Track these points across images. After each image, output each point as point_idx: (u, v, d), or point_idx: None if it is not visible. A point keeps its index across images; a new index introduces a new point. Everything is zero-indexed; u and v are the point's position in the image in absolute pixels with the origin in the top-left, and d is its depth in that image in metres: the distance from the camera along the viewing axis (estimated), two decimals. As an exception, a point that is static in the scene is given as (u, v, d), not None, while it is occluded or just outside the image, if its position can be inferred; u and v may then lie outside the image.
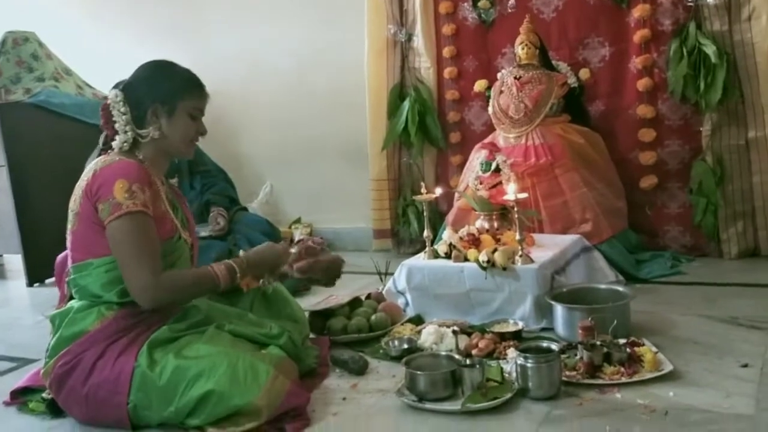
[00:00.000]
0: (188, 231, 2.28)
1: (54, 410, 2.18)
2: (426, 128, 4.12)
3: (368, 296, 2.95)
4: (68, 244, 2.15)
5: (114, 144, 2.13)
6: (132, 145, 2.15)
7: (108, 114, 2.15)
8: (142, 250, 2.01)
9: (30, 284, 4.39)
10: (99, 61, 5.13)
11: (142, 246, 2.01)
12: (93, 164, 2.12)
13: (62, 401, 2.09)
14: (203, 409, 1.92)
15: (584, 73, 3.74)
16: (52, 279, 4.44)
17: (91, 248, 2.08)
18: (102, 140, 2.24)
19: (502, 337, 2.46)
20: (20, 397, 2.32)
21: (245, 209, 4.02)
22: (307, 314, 2.63)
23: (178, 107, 2.17)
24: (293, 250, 2.41)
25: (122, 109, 2.13)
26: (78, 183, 2.13)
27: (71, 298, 2.21)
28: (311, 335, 2.57)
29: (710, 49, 3.36)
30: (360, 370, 2.36)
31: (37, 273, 4.42)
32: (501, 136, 3.61)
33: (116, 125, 2.13)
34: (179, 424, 1.97)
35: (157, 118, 2.15)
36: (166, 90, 2.16)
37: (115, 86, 2.19)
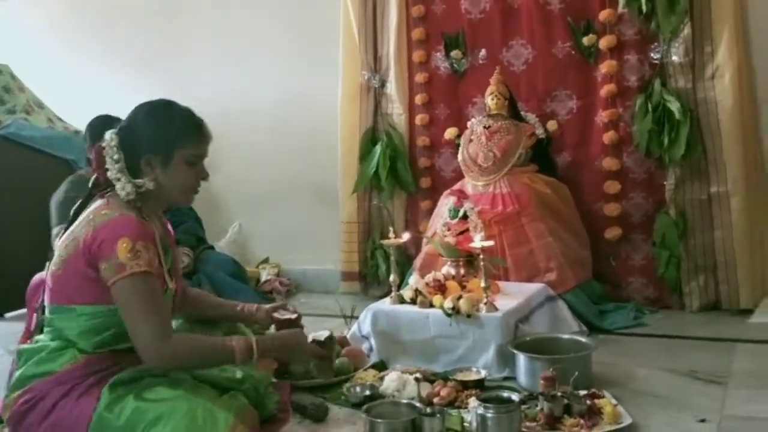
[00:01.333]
0: (175, 274, 2.21)
1: None
2: (397, 173, 4.16)
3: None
4: (49, 282, 2.06)
5: (118, 192, 2.01)
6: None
7: (100, 158, 2.03)
8: (148, 312, 1.92)
9: (-9, 318, 4.31)
10: (73, 93, 5.13)
11: (148, 308, 1.92)
12: (90, 214, 2.01)
13: None
14: None
15: (552, 125, 3.81)
16: (15, 312, 4.38)
17: (72, 296, 2.00)
18: (92, 183, 2.12)
19: (465, 385, 2.46)
20: None
21: (212, 248, 4.00)
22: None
23: (175, 156, 2.04)
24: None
25: (115, 156, 2.01)
26: (72, 229, 2.03)
27: (41, 329, 2.14)
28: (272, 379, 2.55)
29: (674, 106, 3.45)
30: (320, 416, 2.34)
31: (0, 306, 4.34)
32: (470, 184, 3.65)
33: (108, 173, 2.01)
34: None
35: (152, 168, 2.03)
36: (161, 138, 2.03)
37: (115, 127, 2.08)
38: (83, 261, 1.95)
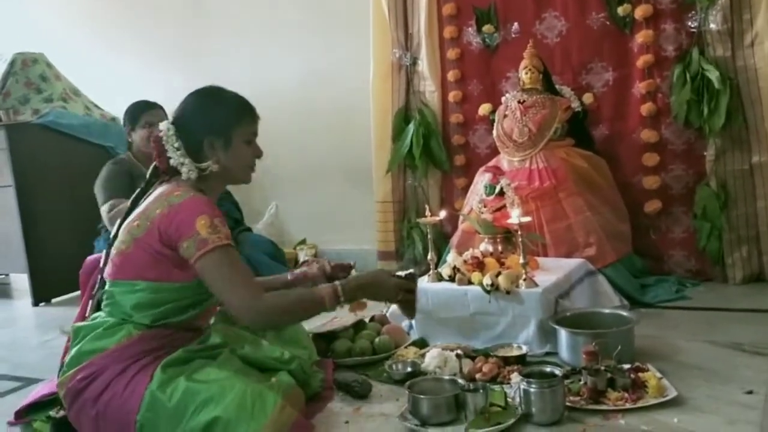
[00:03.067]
0: None
1: (59, 429, 2.18)
2: (430, 151, 4.14)
3: (372, 318, 2.95)
4: (114, 259, 2.12)
5: (184, 175, 2.10)
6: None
7: (160, 146, 2.12)
8: (237, 278, 2.00)
9: (35, 304, 4.41)
10: (106, 82, 5.19)
11: (235, 274, 2.00)
12: (162, 196, 2.07)
13: (73, 415, 2.08)
14: None
15: (588, 98, 3.76)
16: (59, 298, 4.48)
17: (141, 271, 2.06)
18: (151, 172, 2.20)
19: (506, 361, 2.47)
20: (25, 416, 2.31)
21: (249, 230, 4.03)
22: (310, 336, 2.64)
23: (234, 136, 2.14)
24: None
25: (176, 144, 2.09)
26: (141, 210, 2.10)
27: (97, 308, 2.21)
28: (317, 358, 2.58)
29: (713, 75, 3.38)
30: (364, 393, 2.37)
31: (42, 293, 4.45)
32: (505, 160, 3.63)
33: (171, 160, 2.10)
34: None
35: (214, 150, 2.12)
36: (219, 121, 2.13)
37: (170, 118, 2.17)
38: (157, 240, 2.02)
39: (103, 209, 3.34)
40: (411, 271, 2.35)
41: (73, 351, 2.10)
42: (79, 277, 2.64)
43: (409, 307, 2.27)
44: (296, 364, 2.22)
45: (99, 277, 2.27)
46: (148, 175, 2.21)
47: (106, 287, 2.15)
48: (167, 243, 2.01)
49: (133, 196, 2.21)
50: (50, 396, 2.25)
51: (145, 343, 2.07)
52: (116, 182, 3.38)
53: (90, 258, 2.53)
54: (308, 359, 2.36)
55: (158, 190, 2.13)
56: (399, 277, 2.27)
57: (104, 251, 2.23)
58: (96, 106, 4.92)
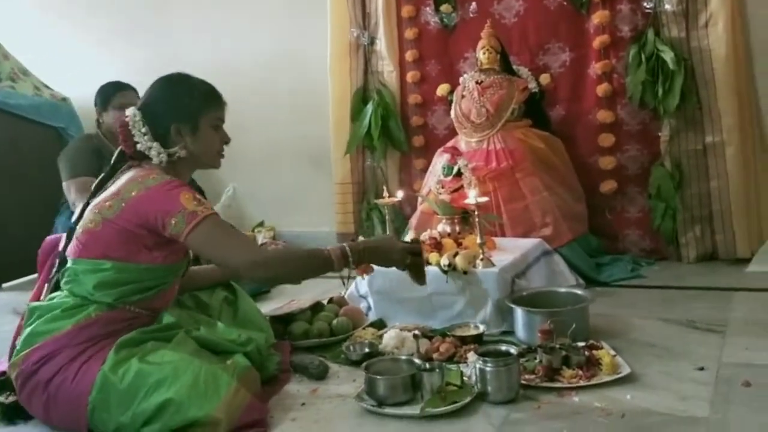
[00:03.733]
0: None
1: (10, 415, 2.15)
2: (389, 132, 4.12)
3: (330, 300, 2.93)
4: (79, 238, 2.11)
5: (154, 159, 2.13)
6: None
7: (127, 132, 2.15)
8: (231, 239, 2.05)
9: (-13, 287, 4.30)
10: (59, 61, 5.05)
11: (229, 236, 2.06)
12: (137, 178, 2.08)
13: (24, 397, 2.06)
14: (160, 417, 1.90)
15: (545, 78, 3.76)
16: (9, 283, 4.37)
17: (108, 250, 2.06)
18: (115, 157, 2.23)
19: (463, 340, 2.47)
20: None
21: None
22: (267, 319, 2.62)
23: (201, 122, 2.18)
24: None
25: (143, 129, 2.13)
26: (113, 191, 2.10)
27: (54, 289, 2.19)
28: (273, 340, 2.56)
29: (668, 56, 3.41)
30: (320, 374, 2.35)
31: (-4, 276, 4.33)
32: (463, 141, 3.62)
33: (138, 145, 2.13)
34: None
35: (182, 136, 2.15)
36: (186, 107, 2.16)
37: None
38: (131, 221, 2.03)
39: (66, 185, 3.34)
40: (415, 237, 2.34)
41: (27, 331, 2.08)
42: (32, 259, 2.60)
43: (418, 272, 2.29)
44: (252, 346, 2.20)
45: (57, 258, 2.26)
46: (113, 160, 2.22)
47: (68, 265, 2.13)
48: (144, 224, 2.03)
49: (98, 179, 2.22)
50: (1, 376, 2.22)
51: (103, 325, 2.05)
52: (83, 159, 3.39)
53: (49, 238, 2.51)
54: (265, 342, 2.33)
55: (128, 174, 2.14)
56: (405, 242, 2.30)
57: (67, 231, 2.23)
58: (46, 86, 4.78)
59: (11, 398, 2.15)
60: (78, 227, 2.14)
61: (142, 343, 2.05)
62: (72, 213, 3.17)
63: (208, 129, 2.19)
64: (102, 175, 2.23)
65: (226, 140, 2.26)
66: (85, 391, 1.95)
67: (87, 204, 2.17)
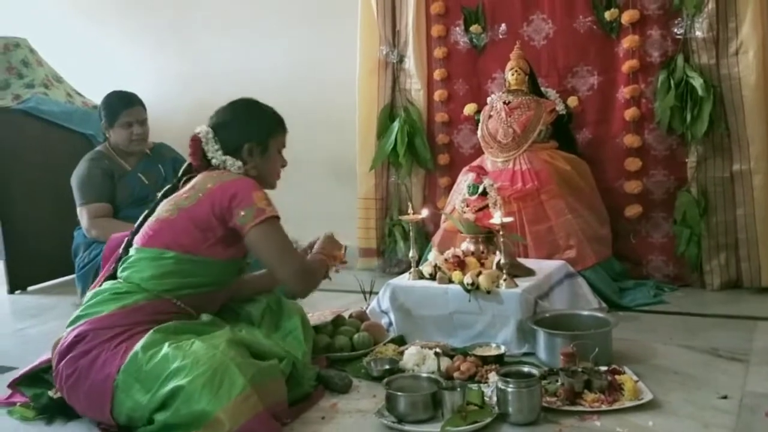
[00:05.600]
0: None
1: (52, 411, 2.21)
2: (415, 149, 4.14)
3: (351, 315, 2.94)
4: (152, 226, 2.25)
5: (230, 168, 2.32)
6: None
7: (197, 147, 2.35)
8: (287, 247, 2.27)
9: (11, 291, 4.35)
10: (92, 68, 5.14)
11: (286, 243, 2.26)
12: (212, 174, 2.29)
13: (60, 369, 2.10)
14: (171, 404, 1.92)
15: (572, 101, 3.77)
16: (35, 287, 4.42)
17: (177, 237, 2.20)
18: (183, 169, 2.42)
19: (484, 360, 2.47)
20: (18, 385, 2.35)
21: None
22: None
23: (271, 144, 2.40)
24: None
25: (216, 147, 2.33)
26: (189, 187, 2.30)
27: (112, 278, 2.29)
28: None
29: (697, 82, 3.40)
30: (344, 388, 2.37)
31: (18, 280, 4.38)
32: (489, 160, 3.63)
33: (213, 160, 2.33)
34: (146, 420, 1.97)
35: (252, 155, 2.35)
36: (259, 129, 2.39)
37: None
38: (207, 210, 2.18)
39: (79, 210, 3.47)
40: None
41: (77, 312, 2.17)
42: (59, 263, 2.68)
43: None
44: (286, 363, 2.19)
45: (120, 253, 2.38)
46: (181, 171, 2.43)
47: (131, 253, 2.25)
48: (218, 213, 2.17)
49: (164, 190, 2.43)
50: (47, 364, 2.28)
51: (145, 314, 2.12)
52: (93, 186, 3.50)
53: (115, 235, 2.62)
54: (302, 357, 2.33)
55: (200, 176, 2.30)
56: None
57: (138, 220, 2.40)
58: (78, 93, 4.86)
59: (59, 395, 2.19)
60: (152, 218, 2.29)
61: (181, 333, 2.09)
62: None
63: (274, 151, 2.42)
64: (167, 187, 2.43)
65: (284, 164, 2.47)
66: (113, 372, 1.99)
67: (155, 207, 2.35)
